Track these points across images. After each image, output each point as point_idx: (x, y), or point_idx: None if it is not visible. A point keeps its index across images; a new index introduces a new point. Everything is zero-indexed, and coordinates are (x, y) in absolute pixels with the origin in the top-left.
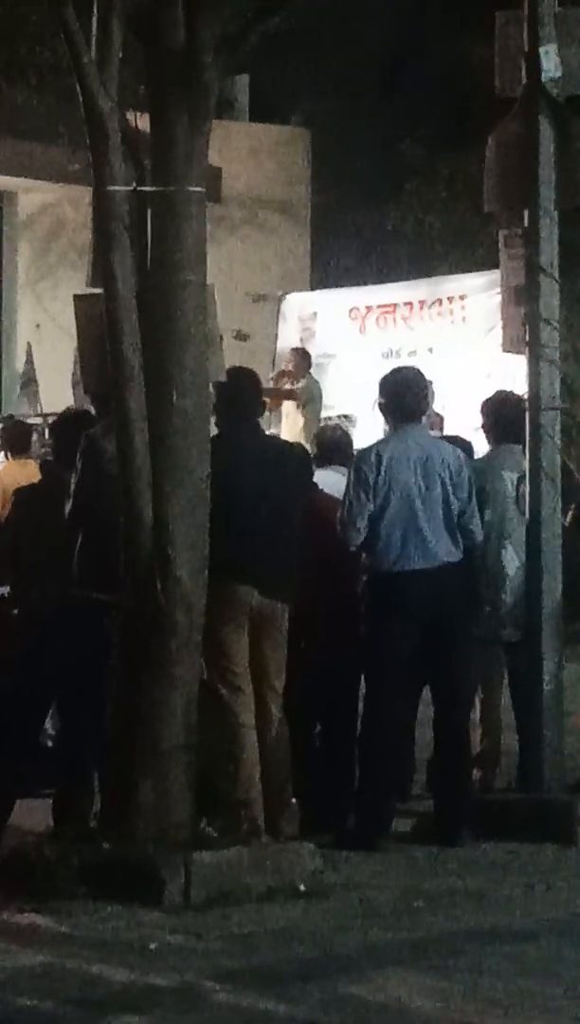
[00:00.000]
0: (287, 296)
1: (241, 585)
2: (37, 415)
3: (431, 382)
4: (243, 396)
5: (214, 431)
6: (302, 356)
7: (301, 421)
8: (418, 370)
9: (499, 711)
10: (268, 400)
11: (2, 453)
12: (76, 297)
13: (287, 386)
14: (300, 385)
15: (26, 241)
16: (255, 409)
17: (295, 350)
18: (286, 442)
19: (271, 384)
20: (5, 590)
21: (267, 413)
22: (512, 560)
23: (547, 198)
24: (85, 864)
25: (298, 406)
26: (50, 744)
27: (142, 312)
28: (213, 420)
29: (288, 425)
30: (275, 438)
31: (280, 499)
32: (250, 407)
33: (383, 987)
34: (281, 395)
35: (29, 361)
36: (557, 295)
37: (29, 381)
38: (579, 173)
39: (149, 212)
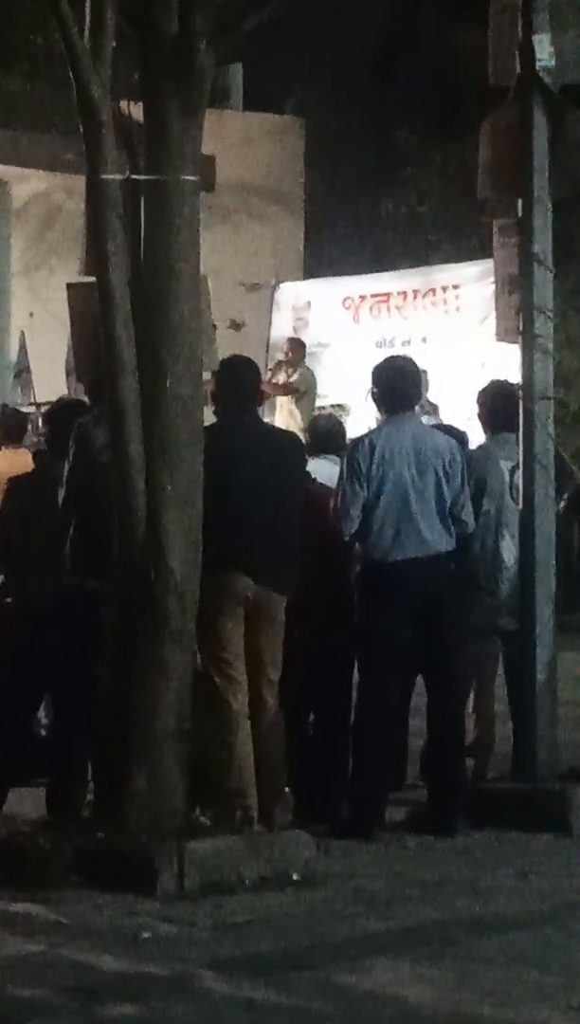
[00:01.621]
0: (281, 285)
1: (237, 575)
2: (31, 404)
3: (425, 371)
4: (241, 385)
5: (212, 420)
6: (298, 346)
7: (296, 411)
8: (411, 359)
9: (493, 700)
10: (266, 391)
11: None
12: (69, 286)
13: (282, 376)
14: (296, 376)
15: (19, 230)
16: (253, 398)
17: (291, 340)
18: (283, 431)
19: (269, 374)
20: None
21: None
22: (509, 549)
23: (541, 187)
24: (78, 853)
25: (292, 398)
26: (43, 733)
27: (135, 301)
28: (211, 409)
29: (282, 415)
30: (272, 427)
31: (277, 488)
32: (248, 396)
33: (376, 975)
34: (280, 390)
35: (23, 350)
36: (551, 284)
37: (23, 370)
38: (573, 162)
39: (143, 201)
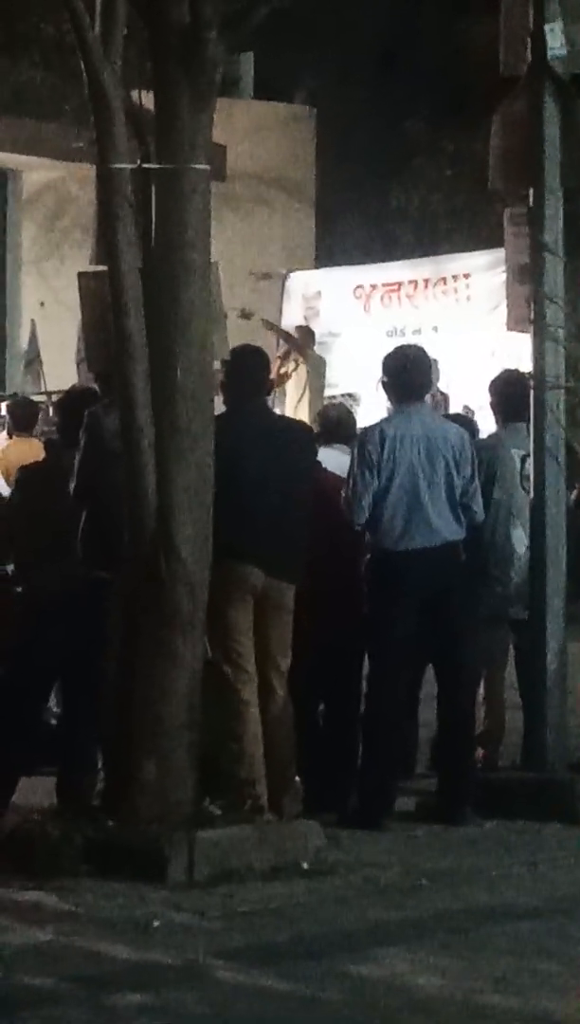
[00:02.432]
0: (291, 274)
1: (246, 565)
2: (41, 393)
3: (436, 361)
4: (251, 374)
5: (222, 409)
6: (306, 334)
7: (305, 399)
8: (422, 348)
9: (503, 689)
10: (274, 379)
11: (5, 431)
12: (80, 275)
13: (291, 364)
14: (291, 365)
15: (30, 219)
16: (262, 387)
17: (299, 327)
18: (292, 420)
19: (278, 362)
20: (9, 568)
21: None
22: (520, 538)
23: (552, 176)
24: (89, 842)
25: (300, 385)
26: (53, 723)
27: (146, 290)
28: (221, 398)
29: (291, 403)
30: (282, 416)
31: (287, 478)
32: (258, 385)
33: (386, 965)
34: (281, 379)
35: (33, 339)
36: (562, 273)
37: (33, 359)
38: None
39: (153, 190)
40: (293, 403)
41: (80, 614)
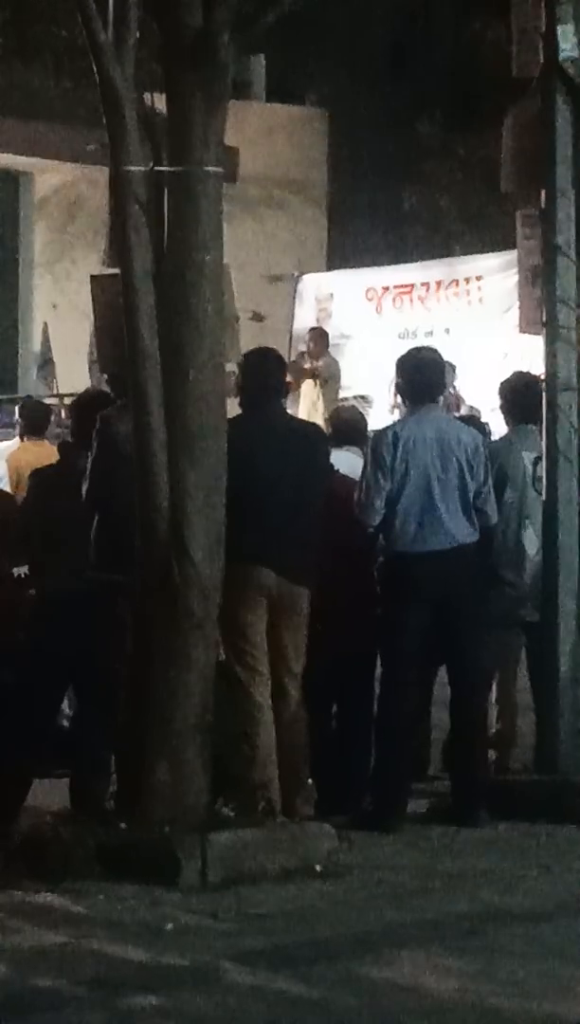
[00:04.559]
0: (303, 277)
1: (260, 567)
2: (54, 395)
3: (452, 364)
4: (265, 377)
5: (237, 411)
6: (320, 336)
7: (319, 401)
8: (435, 351)
9: (515, 692)
10: (291, 380)
11: (17, 435)
12: (93, 277)
13: (307, 366)
14: (319, 364)
15: (43, 221)
16: (279, 389)
17: (313, 330)
18: (307, 423)
19: (298, 362)
20: (23, 571)
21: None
22: (532, 540)
23: (564, 178)
24: (101, 845)
25: (317, 384)
26: (67, 725)
27: (159, 292)
28: (237, 400)
29: (306, 405)
30: (296, 419)
31: (301, 481)
32: (273, 388)
33: (399, 967)
34: (304, 373)
35: (46, 341)
36: (574, 275)
37: (46, 362)
38: None
39: (166, 192)
40: (309, 406)
41: (93, 617)
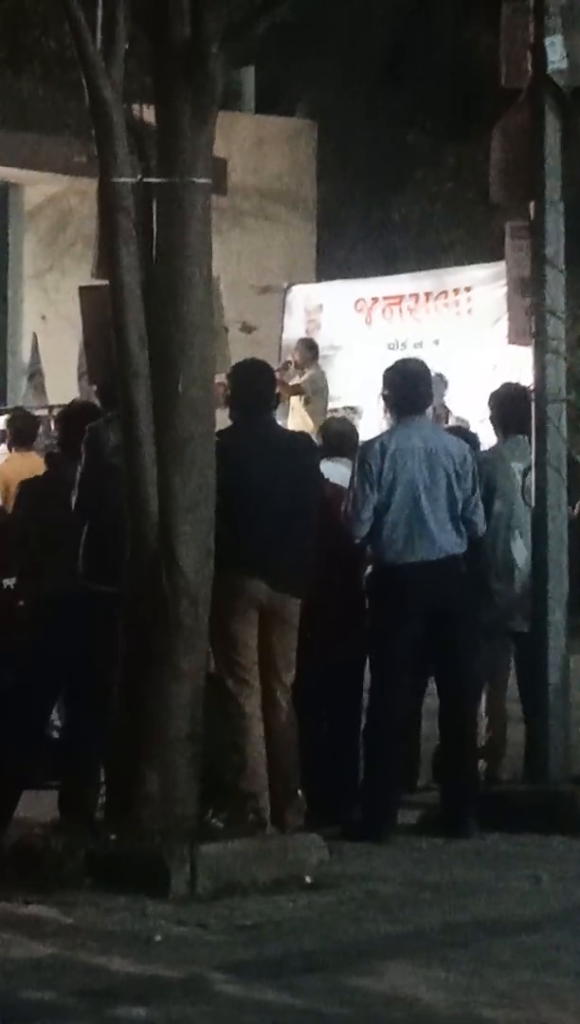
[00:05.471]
0: (293, 288)
1: (251, 578)
2: (43, 407)
3: (444, 378)
4: (255, 389)
5: (227, 423)
6: (309, 347)
7: (307, 415)
8: (422, 362)
9: (504, 702)
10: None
11: (4, 446)
12: (82, 289)
13: (295, 380)
14: (306, 376)
15: (32, 233)
16: (267, 402)
17: (302, 341)
18: (297, 434)
19: (278, 376)
20: (11, 582)
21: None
22: (521, 551)
23: (553, 189)
24: (91, 855)
25: (303, 400)
26: (56, 736)
27: (147, 304)
28: (227, 412)
29: (295, 417)
30: (286, 430)
31: (291, 492)
32: (262, 400)
33: (389, 978)
34: (288, 390)
35: (35, 353)
36: (563, 286)
37: (35, 373)
38: None
39: (154, 203)
40: (298, 420)
41: (82, 628)
